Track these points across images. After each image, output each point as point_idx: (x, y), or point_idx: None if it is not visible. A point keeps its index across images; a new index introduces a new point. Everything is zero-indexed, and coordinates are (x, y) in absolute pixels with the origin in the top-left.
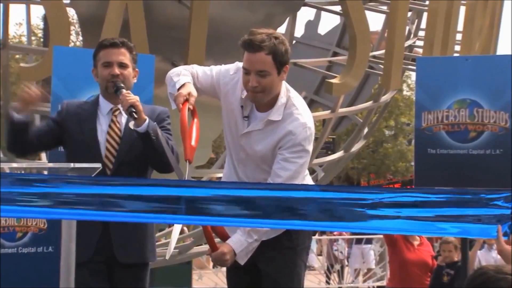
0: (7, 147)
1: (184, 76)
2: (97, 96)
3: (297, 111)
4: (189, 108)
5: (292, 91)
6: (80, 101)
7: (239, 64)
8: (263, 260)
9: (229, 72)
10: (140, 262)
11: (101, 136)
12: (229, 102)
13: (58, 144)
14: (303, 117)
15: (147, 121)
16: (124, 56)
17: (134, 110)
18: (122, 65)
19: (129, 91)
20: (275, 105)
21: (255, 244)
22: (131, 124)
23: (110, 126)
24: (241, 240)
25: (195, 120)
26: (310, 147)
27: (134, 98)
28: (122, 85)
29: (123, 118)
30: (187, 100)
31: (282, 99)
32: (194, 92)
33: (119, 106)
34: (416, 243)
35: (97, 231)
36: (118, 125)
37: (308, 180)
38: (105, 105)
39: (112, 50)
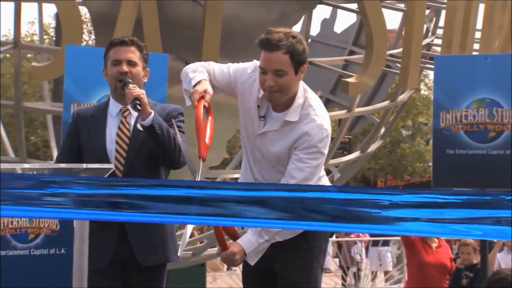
0: None
1: (200, 73)
2: (108, 97)
3: (314, 112)
4: (204, 106)
5: (309, 91)
6: (90, 106)
7: (257, 63)
8: (279, 262)
9: (246, 70)
10: (162, 263)
11: (110, 141)
12: (245, 101)
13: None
14: (320, 118)
15: (152, 114)
16: (133, 54)
17: (138, 102)
18: (131, 63)
19: (135, 85)
20: (292, 106)
21: (266, 244)
22: (139, 125)
23: (119, 128)
24: (251, 240)
25: (210, 118)
26: (325, 149)
27: (139, 91)
28: (129, 80)
29: (133, 119)
30: (202, 98)
31: (299, 100)
32: (210, 90)
33: (128, 106)
34: (434, 245)
35: (114, 235)
36: (127, 126)
37: (325, 181)
38: (114, 107)
39: (121, 48)
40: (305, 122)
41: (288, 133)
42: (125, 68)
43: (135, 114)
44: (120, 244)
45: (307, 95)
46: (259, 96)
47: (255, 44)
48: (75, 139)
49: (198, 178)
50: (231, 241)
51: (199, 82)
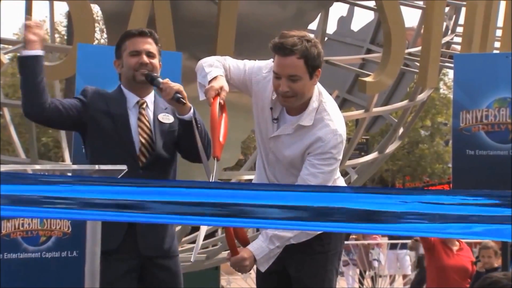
0: (22, 103)
1: (216, 68)
2: (118, 87)
3: (328, 117)
4: (219, 103)
5: (324, 95)
6: (102, 90)
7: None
8: (293, 265)
9: (262, 70)
10: (171, 255)
11: (134, 132)
12: (259, 100)
13: (75, 127)
14: (334, 123)
15: (192, 109)
16: (151, 45)
17: (181, 96)
18: (150, 55)
19: (167, 78)
20: (306, 109)
21: (277, 250)
22: (161, 117)
23: (140, 120)
24: (262, 246)
25: (224, 115)
26: (339, 155)
27: (178, 85)
28: (154, 74)
29: (150, 111)
30: (218, 95)
31: (314, 104)
32: (226, 87)
33: (146, 98)
34: (455, 248)
35: (122, 229)
36: (147, 118)
37: (341, 183)
38: (131, 98)
39: (140, 39)
40: (319, 126)
41: (301, 137)
42: (145, 59)
43: (152, 107)
44: (132, 252)
45: (322, 99)
46: (272, 98)
47: (269, 48)
48: (84, 108)
49: (212, 179)
50: (242, 247)
51: (215, 78)
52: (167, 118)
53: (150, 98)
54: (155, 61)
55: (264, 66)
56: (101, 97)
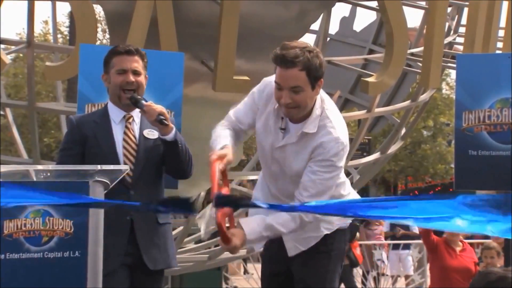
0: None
1: (223, 138)
2: (105, 105)
3: (330, 124)
4: (220, 169)
5: (327, 102)
6: (86, 114)
7: (266, 80)
8: (297, 264)
9: (261, 92)
10: (165, 267)
11: (118, 146)
12: (261, 114)
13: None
14: (337, 131)
15: (174, 129)
16: (138, 63)
17: (163, 118)
18: (136, 73)
19: (150, 102)
20: (309, 117)
21: (267, 238)
22: (147, 133)
23: (125, 134)
24: (256, 230)
25: (226, 189)
26: (341, 162)
27: (160, 107)
28: (138, 96)
29: (136, 125)
30: (220, 159)
31: (317, 111)
32: (230, 157)
33: (132, 113)
34: (458, 248)
35: (124, 239)
36: (132, 132)
37: (347, 186)
38: (116, 113)
39: (127, 57)
40: (321, 134)
41: (305, 145)
42: (131, 78)
43: (138, 121)
44: (129, 247)
45: (324, 106)
46: (275, 107)
47: (270, 59)
48: (81, 146)
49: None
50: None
51: (222, 148)
52: (152, 134)
53: (136, 113)
54: (141, 78)
55: (260, 88)
56: (86, 122)
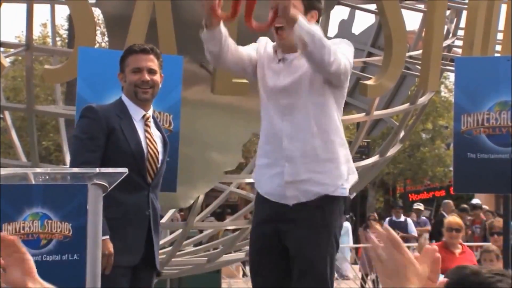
0: None
1: None
2: (119, 99)
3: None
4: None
5: None
6: (105, 105)
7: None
8: (293, 241)
9: (255, 44)
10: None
11: (144, 145)
12: (262, 59)
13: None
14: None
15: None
16: (153, 62)
17: None
18: (152, 71)
19: None
20: None
21: (309, 39)
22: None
23: (147, 132)
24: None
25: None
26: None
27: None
28: None
29: (152, 127)
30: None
31: None
32: None
33: (149, 113)
34: (458, 251)
35: (143, 235)
36: (151, 132)
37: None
38: (136, 110)
39: (142, 56)
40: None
41: None
42: (147, 76)
43: (152, 120)
44: (147, 248)
45: None
46: (272, 47)
47: None
48: (106, 137)
49: None
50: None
51: None
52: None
53: (150, 113)
54: (156, 77)
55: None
56: (110, 113)
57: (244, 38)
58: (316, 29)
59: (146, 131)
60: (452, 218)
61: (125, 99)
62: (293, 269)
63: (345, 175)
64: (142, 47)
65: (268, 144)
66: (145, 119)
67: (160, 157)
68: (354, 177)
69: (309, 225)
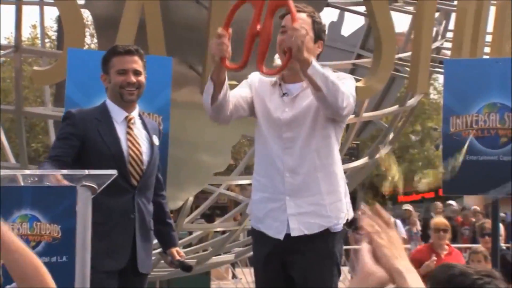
0: None
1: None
2: (103, 103)
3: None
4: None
5: None
6: (85, 109)
7: (253, 74)
8: (300, 270)
9: (249, 79)
10: (148, 272)
11: (124, 147)
12: (260, 93)
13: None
14: (342, 73)
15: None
16: (138, 63)
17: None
18: (137, 72)
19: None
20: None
21: (321, 80)
22: (155, 139)
23: (129, 135)
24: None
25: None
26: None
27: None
28: (185, 262)
29: (136, 127)
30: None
31: None
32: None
33: (133, 114)
34: (444, 252)
35: (129, 240)
36: (134, 133)
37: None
38: (118, 112)
39: (127, 58)
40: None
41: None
42: (132, 78)
43: (138, 122)
44: (131, 251)
45: None
46: (273, 80)
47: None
48: (80, 140)
49: None
50: None
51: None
52: (156, 140)
53: (135, 114)
54: (141, 78)
55: (248, 79)
56: (89, 117)
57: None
58: (329, 72)
59: (128, 133)
60: (438, 219)
61: (108, 101)
62: None
63: (345, 208)
64: (127, 48)
65: (266, 177)
66: (127, 120)
67: (145, 158)
68: (351, 213)
69: (313, 256)
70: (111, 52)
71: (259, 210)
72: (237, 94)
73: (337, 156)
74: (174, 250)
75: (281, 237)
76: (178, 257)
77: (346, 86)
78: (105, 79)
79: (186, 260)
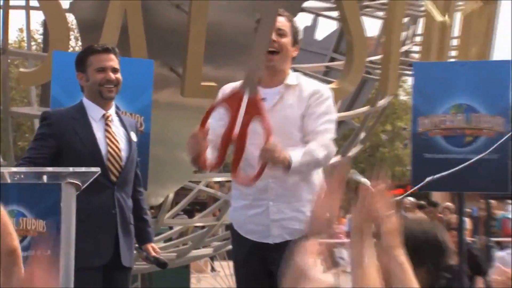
0: None
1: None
2: (80, 102)
3: (310, 80)
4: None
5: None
6: (61, 109)
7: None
8: (280, 264)
9: (223, 91)
10: (131, 266)
11: (101, 145)
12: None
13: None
14: (319, 84)
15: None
16: (115, 61)
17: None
18: (115, 70)
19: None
20: (286, 77)
21: (304, 170)
22: (133, 136)
23: (107, 132)
24: (297, 154)
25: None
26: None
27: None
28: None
29: (114, 125)
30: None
31: (291, 74)
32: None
33: (110, 111)
34: None
35: (111, 238)
36: (113, 132)
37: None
38: (95, 110)
39: (105, 56)
40: (307, 85)
41: (293, 95)
42: (111, 75)
43: (116, 119)
44: (114, 246)
45: (297, 74)
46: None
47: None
48: (56, 140)
49: None
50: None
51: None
52: (134, 136)
53: (112, 111)
54: (119, 75)
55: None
56: (64, 116)
57: (210, 46)
58: (307, 155)
59: (106, 130)
60: (414, 215)
61: (85, 100)
62: None
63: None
64: (104, 46)
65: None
66: (105, 118)
67: (124, 154)
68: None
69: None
70: (88, 51)
71: (240, 216)
72: (214, 139)
73: None
74: (149, 246)
75: (264, 241)
76: (153, 253)
77: (327, 127)
78: (81, 78)
79: (162, 257)
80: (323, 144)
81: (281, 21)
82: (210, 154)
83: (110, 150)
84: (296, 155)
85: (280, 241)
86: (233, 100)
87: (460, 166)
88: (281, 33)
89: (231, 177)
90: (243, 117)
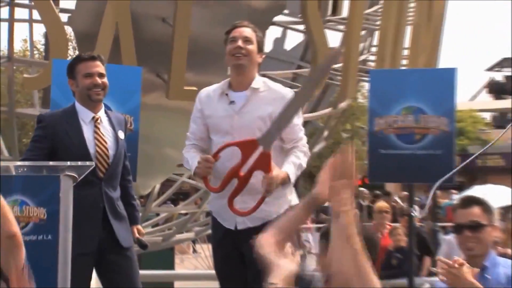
0: None
1: (194, 158)
2: (72, 105)
3: (276, 85)
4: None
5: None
6: (54, 112)
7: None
8: (247, 247)
9: (199, 99)
10: (131, 245)
11: (89, 145)
12: (212, 110)
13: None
14: (284, 88)
15: None
16: (101, 67)
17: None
18: (101, 75)
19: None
20: (253, 82)
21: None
22: (120, 134)
23: (96, 133)
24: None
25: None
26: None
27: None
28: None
29: (103, 126)
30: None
31: (257, 78)
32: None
33: (99, 114)
34: (386, 231)
35: (98, 224)
36: (102, 133)
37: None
38: (85, 113)
39: (91, 63)
40: (274, 89)
41: (260, 98)
42: (98, 80)
43: (104, 120)
44: (103, 233)
45: (264, 79)
46: (219, 92)
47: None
48: (50, 141)
49: None
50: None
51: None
52: (122, 134)
53: (102, 113)
54: (105, 80)
55: (196, 104)
56: (58, 119)
57: (192, 55)
58: (298, 167)
59: (95, 131)
60: (381, 203)
61: (77, 104)
62: (248, 274)
63: (288, 203)
64: (91, 54)
65: (219, 179)
66: (94, 120)
67: (111, 152)
68: (295, 201)
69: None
70: (77, 59)
71: (215, 206)
72: (204, 134)
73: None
74: (134, 228)
75: (232, 227)
76: (137, 235)
77: (301, 135)
78: (72, 84)
79: (144, 239)
80: (304, 151)
81: (247, 31)
82: (198, 154)
83: (98, 150)
84: (290, 169)
85: (243, 228)
86: (247, 146)
87: (461, 165)
88: (247, 40)
89: (228, 206)
90: (252, 163)
